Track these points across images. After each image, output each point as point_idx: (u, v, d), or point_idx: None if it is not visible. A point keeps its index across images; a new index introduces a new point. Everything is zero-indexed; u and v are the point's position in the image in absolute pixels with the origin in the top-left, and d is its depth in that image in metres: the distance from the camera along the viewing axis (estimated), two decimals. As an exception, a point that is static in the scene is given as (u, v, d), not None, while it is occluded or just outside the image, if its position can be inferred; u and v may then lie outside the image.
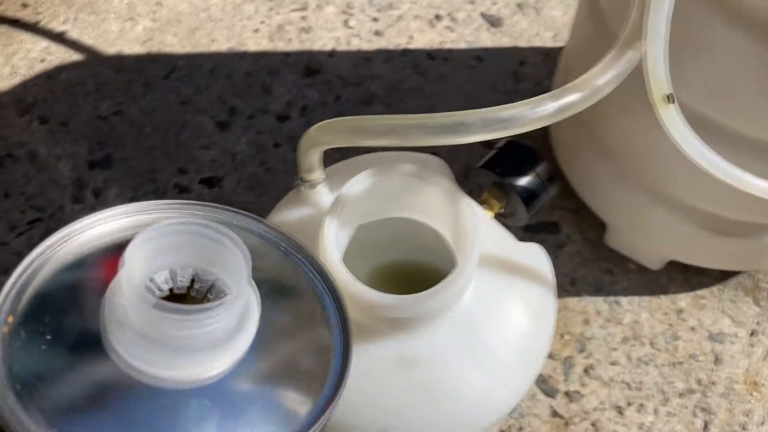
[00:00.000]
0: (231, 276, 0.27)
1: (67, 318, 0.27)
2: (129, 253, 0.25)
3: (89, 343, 0.26)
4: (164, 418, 0.26)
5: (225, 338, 0.26)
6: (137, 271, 0.26)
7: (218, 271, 0.27)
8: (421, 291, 0.35)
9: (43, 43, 0.70)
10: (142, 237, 0.26)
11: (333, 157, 0.54)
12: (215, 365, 0.26)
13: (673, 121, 0.34)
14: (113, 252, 0.29)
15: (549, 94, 0.32)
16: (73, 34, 0.71)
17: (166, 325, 0.25)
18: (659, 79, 0.33)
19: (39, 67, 0.68)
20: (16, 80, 0.67)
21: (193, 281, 0.28)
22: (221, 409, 0.27)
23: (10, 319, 0.26)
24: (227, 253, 0.26)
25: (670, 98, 0.34)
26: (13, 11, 0.72)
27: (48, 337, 0.26)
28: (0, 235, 0.59)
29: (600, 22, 0.49)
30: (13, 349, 0.26)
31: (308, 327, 0.30)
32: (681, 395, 0.54)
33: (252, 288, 0.28)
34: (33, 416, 0.24)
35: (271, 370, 0.28)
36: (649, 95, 0.34)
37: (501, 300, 0.39)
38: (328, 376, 0.28)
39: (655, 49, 0.33)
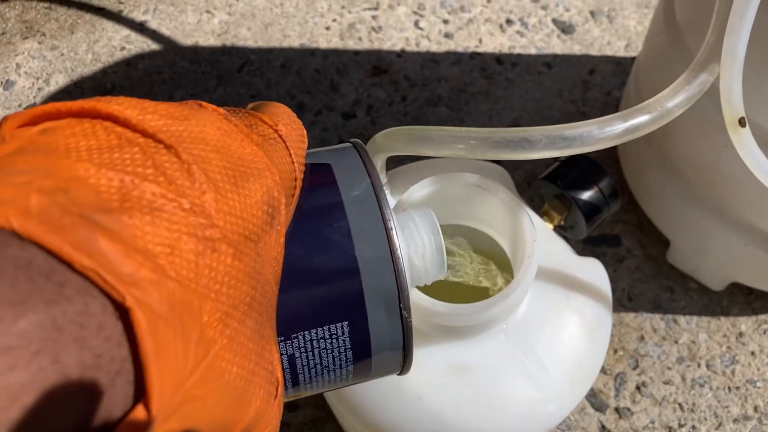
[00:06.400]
0: None
1: None
2: None
3: None
4: None
5: None
6: None
7: None
8: (474, 300, 0.35)
9: (124, 32, 0.73)
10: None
11: (395, 158, 0.55)
12: None
13: (744, 143, 0.34)
14: None
15: (617, 114, 0.31)
16: (153, 24, 0.73)
17: None
18: (733, 103, 0.33)
19: (119, 55, 0.71)
20: (97, 67, 0.70)
21: None
22: None
23: None
24: None
25: (742, 122, 0.33)
26: (98, 0, 0.75)
27: None
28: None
29: (675, 35, 0.48)
30: None
31: None
32: (735, 420, 0.53)
33: None
34: None
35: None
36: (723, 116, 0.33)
37: (556, 314, 0.39)
38: None
39: (731, 73, 0.32)
